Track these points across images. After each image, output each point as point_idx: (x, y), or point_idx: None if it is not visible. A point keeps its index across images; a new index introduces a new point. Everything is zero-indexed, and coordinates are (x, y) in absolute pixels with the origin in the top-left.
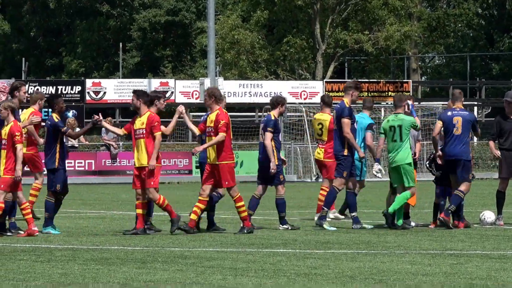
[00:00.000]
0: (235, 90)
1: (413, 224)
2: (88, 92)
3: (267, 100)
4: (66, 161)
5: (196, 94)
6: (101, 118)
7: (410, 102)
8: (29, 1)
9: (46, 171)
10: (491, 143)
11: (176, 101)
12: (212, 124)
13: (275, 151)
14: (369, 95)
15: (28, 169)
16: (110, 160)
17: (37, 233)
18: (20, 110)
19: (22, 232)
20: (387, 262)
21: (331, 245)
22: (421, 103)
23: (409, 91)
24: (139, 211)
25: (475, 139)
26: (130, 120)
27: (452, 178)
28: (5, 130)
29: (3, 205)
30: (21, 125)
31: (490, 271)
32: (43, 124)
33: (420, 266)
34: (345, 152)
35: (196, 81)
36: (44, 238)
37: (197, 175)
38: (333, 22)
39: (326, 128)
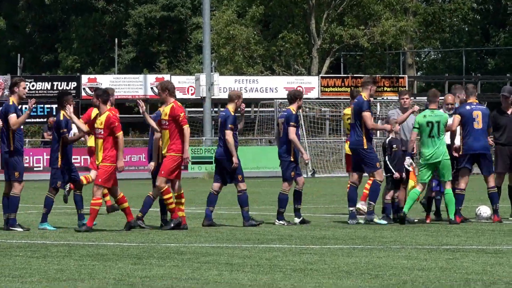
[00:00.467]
0: (231, 86)
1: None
2: (84, 88)
3: (262, 95)
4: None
5: (191, 90)
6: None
7: (407, 97)
8: None
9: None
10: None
11: None
12: (166, 117)
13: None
14: None
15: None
16: None
17: None
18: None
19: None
20: (383, 257)
21: (327, 240)
22: (416, 98)
23: (405, 86)
24: (124, 205)
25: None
26: (125, 116)
27: (465, 171)
28: (101, 119)
29: (99, 201)
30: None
31: (486, 265)
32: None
33: (416, 261)
34: (365, 146)
35: (191, 76)
36: (40, 234)
37: (192, 171)
38: (329, 17)
39: None
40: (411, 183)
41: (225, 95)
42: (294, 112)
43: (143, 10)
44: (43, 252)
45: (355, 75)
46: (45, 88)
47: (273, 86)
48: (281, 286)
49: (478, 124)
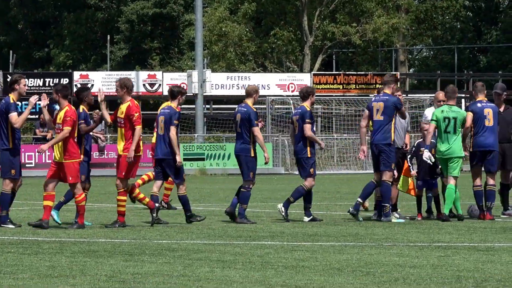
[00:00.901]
0: (223, 83)
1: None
2: (76, 85)
3: None
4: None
5: (183, 87)
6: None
7: (399, 94)
8: None
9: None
10: None
11: (164, 93)
12: (122, 115)
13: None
14: (357, 87)
15: None
16: (97, 153)
17: None
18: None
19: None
20: (374, 254)
21: (318, 237)
22: (408, 95)
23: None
24: (46, 202)
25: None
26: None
27: (477, 169)
28: (122, 109)
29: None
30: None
31: (477, 263)
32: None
33: (408, 258)
34: (391, 141)
35: (183, 73)
36: (31, 230)
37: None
38: (321, 14)
39: None
40: (403, 179)
41: (217, 92)
42: (308, 109)
43: (136, 6)
44: (35, 248)
45: (347, 72)
46: (37, 85)
47: (265, 83)
48: (273, 283)
49: (489, 122)
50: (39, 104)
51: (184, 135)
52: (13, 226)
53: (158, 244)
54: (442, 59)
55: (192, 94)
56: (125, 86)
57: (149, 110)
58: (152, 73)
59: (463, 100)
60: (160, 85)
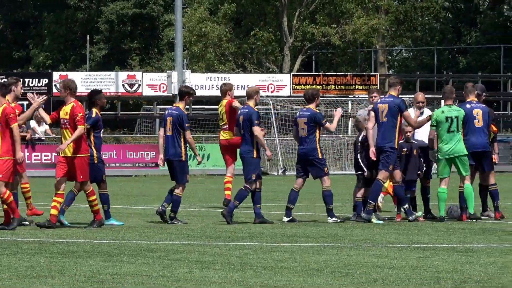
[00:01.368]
0: (203, 83)
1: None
2: (55, 85)
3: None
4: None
5: (163, 87)
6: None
7: (375, 95)
8: None
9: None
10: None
11: (144, 94)
12: (66, 117)
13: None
14: (336, 88)
15: None
16: None
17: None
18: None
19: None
20: (353, 255)
21: (297, 238)
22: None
23: (376, 85)
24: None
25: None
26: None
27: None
28: (65, 110)
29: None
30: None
31: (456, 264)
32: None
33: (387, 259)
34: (395, 145)
35: (163, 74)
36: (10, 231)
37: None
38: (301, 15)
39: None
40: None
41: (197, 92)
42: (318, 111)
43: (115, 7)
44: (14, 249)
45: (326, 73)
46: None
47: (244, 84)
48: (252, 283)
49: (479, 123)
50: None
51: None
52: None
53: (137, 245)
54: (421, 60)
55: (171, 94)
56: (68, 87)
57: (129, 111)
58: (131, 73)
59: (442, 101)
60: (139, 85)
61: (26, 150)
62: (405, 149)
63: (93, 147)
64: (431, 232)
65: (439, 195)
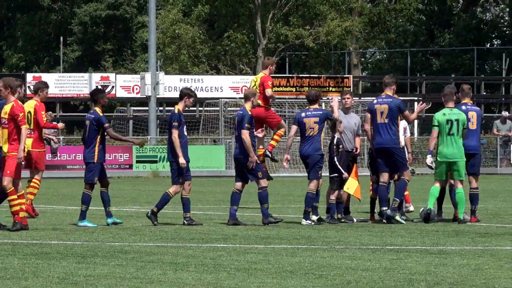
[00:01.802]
0: (176, 85)
1: (354, 219)
2: (29, 87)
3: (208, 95)
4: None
5: (136, 89)
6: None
7: (337, 97)
8: None
9: (84, 164)
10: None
11: (117, 95)
12: (6, 116)
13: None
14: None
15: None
16: (50, 155)
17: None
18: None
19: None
20: (327, 257)
21: (271, 240)
22: (361, 98)
23: (350, 87)
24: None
25: (416, 133)
26: (70, 114)
27: None
28: (5, 109)
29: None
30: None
31: (430, 266)
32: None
33: (360, 261)
34: (402, 145)
35: (137, 75)
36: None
37: (137, 170)
38: (274, 17)
39: None
40: (351, 181)
41: (170, 94)
42: (327, 110)
43: (89, 8)
44: None
45: (300, 75)
46: None
47: (218, 86)
48: (225, 285)
49: (473, 125)
50: None
51: (137, 138)
52: None
53: (111, 246)
54: (395, 62)
55: (145, 96)
56: (9, 86)
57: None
58: (105, 75)
59: (415, 103)
60: (113, 87)
61: None
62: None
63: (97, 146)
64: (405, 234)
65: (431, 191)
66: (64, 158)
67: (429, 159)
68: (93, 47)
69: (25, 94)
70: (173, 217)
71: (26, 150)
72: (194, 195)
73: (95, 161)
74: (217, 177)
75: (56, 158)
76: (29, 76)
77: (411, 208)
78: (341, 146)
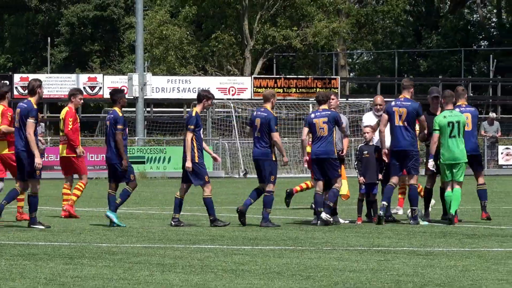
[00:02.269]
0: (163, 86)
1: (341, 221)
2: (16, 87)
3: (195, 96)
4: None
5: (124, 90)
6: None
7: (333, 97)
8: None
9: (107, 165)
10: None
11: (105, 96)
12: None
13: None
14: (297, 91)
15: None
16: None
17: None
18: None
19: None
20: (314, 258)
21: (258, 241)
22: (348, 99)
23: (337, 88)
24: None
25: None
26: (58, 115)
27: None
28: None
29: None
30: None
31: (417, 267)
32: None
33: (347, 262)
34: (418, 147)
35: (124, 76)
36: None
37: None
38: (262, 18)
39: None
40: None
41: (157, 95)
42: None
43: (76, 9)
44: None
45: (287, 76)
46: None
47: (205, 87)
48: (212, 286)
49: (468, 126)
50: None
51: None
52: (43, 227)
53: (98, 248)
54: (382, 64)
55: (132, 97)
56: None
57: (90, 113)
58: (92, 76)
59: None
60: (100, 88)
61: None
62: (366, 151)
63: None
64: (392, 235)
65: (446, 199)
66: (52, 159)
67: (430, 163)
68: (80, 48)
69: (12, 95)
70: (160, 218)
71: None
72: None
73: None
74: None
75: (42, 159)
76: (17, 77)
77: (400, 212)
78: None
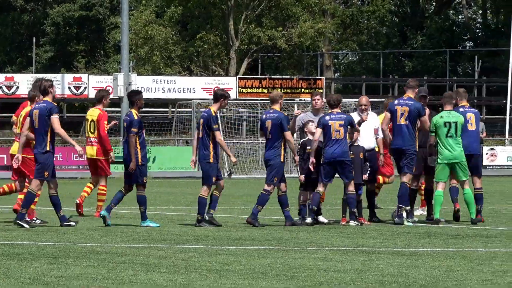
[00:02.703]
0: (149, 86)
1: (325, 220)
2: (1, 87)
3: (180, 96)
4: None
5: (109, 90)
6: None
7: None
8: None
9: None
10: None
11: (90, 96)
12: None
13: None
14: (282, 91)
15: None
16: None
17: None
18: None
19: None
20: (298, 258)
21: (243, 241)
22: None
23: (322, 88)
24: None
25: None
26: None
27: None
28: None
29: None
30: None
31: (401, 268)
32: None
33: (332, 262)
34: (417, 148)
35: (109, 76)
36: None
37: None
38: (247, 18)
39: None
40: None
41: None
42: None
43: (61, 9)
44: None
45: (272, 77)
46: None
47: (190, 87)
48: (197, 286)
49: (472, 126)
50: None
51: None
52: (74, 224)
53: (82, 247)
54: (367, 64)
55: (117, 97)
56: None
57: (75, 113)
58: (77, 75)
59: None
60: (85, 88)
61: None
62: (351, 152)
63: (139, 148)
64: (376, 235)
65: (435, 198)
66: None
67: (429, 160)
68: (65, 48)
69: None
70: (155, 217)
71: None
72: (165, 196)
73: (140, 163)
74: (189, 178)
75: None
76: (1, 77)
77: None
78: (308, 147)
